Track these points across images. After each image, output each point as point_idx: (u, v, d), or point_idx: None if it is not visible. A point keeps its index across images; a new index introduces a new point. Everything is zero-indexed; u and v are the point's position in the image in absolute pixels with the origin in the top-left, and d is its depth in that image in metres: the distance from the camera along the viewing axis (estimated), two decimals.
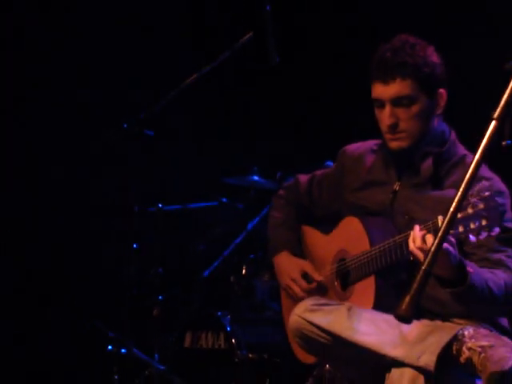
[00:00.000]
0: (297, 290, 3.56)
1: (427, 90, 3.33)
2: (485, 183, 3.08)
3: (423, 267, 2.22)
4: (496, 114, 2.13)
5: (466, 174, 2.22)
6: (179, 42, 6.12)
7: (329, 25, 5.80)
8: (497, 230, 2.76)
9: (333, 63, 5.69)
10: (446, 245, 2.89)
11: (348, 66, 5.06)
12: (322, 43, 5.77)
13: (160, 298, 5.12)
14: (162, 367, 4.97)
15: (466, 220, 2.77)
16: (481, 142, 2.14)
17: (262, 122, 5.94)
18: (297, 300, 3.48)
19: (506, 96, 2.13)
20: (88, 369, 5.39)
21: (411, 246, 2.98)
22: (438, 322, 3.20)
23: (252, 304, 5.23)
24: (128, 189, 5.12)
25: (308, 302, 3.33)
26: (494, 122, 2.14)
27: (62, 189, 5.93)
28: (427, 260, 2.23)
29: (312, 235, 3.75)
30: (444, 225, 2.23)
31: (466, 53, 3.66)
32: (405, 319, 2.26)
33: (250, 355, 4.90)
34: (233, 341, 4.93)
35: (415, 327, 3.12)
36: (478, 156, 2.16)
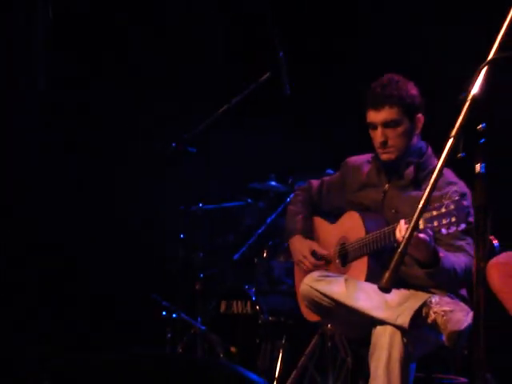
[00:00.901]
0: (307, 263, 3.56)
1: (409, 115, 3.34)
2: (454, 187, 3.13)
3: (399, 250, 2.19)
4: (453, 133, 2.10)
5: (430, 181, 2.18)
6: (215, 78, 6.11)
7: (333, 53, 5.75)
8: (463, 225, 2.76)
9: (334, 95, 5.65)
10: (424, 236, 2.94)
11: (346, 95, 5.00)
12: (327, 73, 5.70)
13: (201, 275, 5.09)
14: (204, 328, 4.96)
15: (440, 217, 2.79)
16: (441, 154, 2.13)
17: (276, 139, 5.91)
18: (306, 272, 3.48)
19: (459, 120, 2.10)
20: (148, 330, 5.38)
21: (397, 235, 3.00)
22: (413, 291, 3.20)
23: (271, 279, 5.18)
24: (176, 193, 5.17)
25: (315, 274, 3.35)
26: (451, 139, 2.11)
27: (131, 193, 5.94)
28: (402, 245, 2.20)
29: (320, 224, 3.74)
30: (414, 220, 2.21)
31: (430, 88, 3.67)
32: (385, 290, 2.24)
33: (270, 318, 4.88)
34: (257, 307, 4.92)
35: (395, 295, 3.12)
36: (439, 165, 2.14)
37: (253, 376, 1.49)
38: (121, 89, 5.99)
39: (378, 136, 3.35)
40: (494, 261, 2.74)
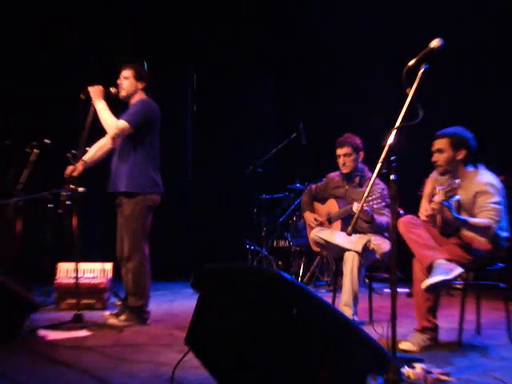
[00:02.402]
0: (313, 225, 3.39)
1: (356, 151, 3.27)
2: (380, 185, 3.10)
3: (355, 216, 2.19)
4: (380, 160, 2.05)
5: (369, 183, 2.18)
6: (269, 131, 5.98)
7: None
8: (383, 203, 2.83)
9: (327, 143, 5.41)
10: (367, 208, 2.95)
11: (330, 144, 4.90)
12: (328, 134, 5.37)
13: (264, 228, 4.94)
14: (266, 253, 4.94)
15: (373, 200, 2.84)
16: (374, 171, 2.09)
17: (301, 164, 5.66)
18: (312, 228, 3.39)
19: (383, 154, 2.05)
20: (238, 255, 5.18)
21: (354, 209, 3.01)
22: (362, 235, 3.16)
23: (297, 230, 5.07)
24: (251, 189, 5.23)
25: (316, 229, 3.29)
26: (380, 164, 2.06)
27: (233, 190, 5.66)
28: (357, 213, 2.20)
29: (317, 205, 3.54)
30: (362, 202, 2.24)
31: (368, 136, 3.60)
32: (349, 235, 2.23)
33: (297, 248, 4.88)
34: (291, 243, 4.92)
35: (354, 236, 3.09)
36: (373, 177, 2.12)
37: (288, 275, 1.69)
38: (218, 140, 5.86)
39: (341, 160, 3.29)
40: (400, 220, 2.63)
